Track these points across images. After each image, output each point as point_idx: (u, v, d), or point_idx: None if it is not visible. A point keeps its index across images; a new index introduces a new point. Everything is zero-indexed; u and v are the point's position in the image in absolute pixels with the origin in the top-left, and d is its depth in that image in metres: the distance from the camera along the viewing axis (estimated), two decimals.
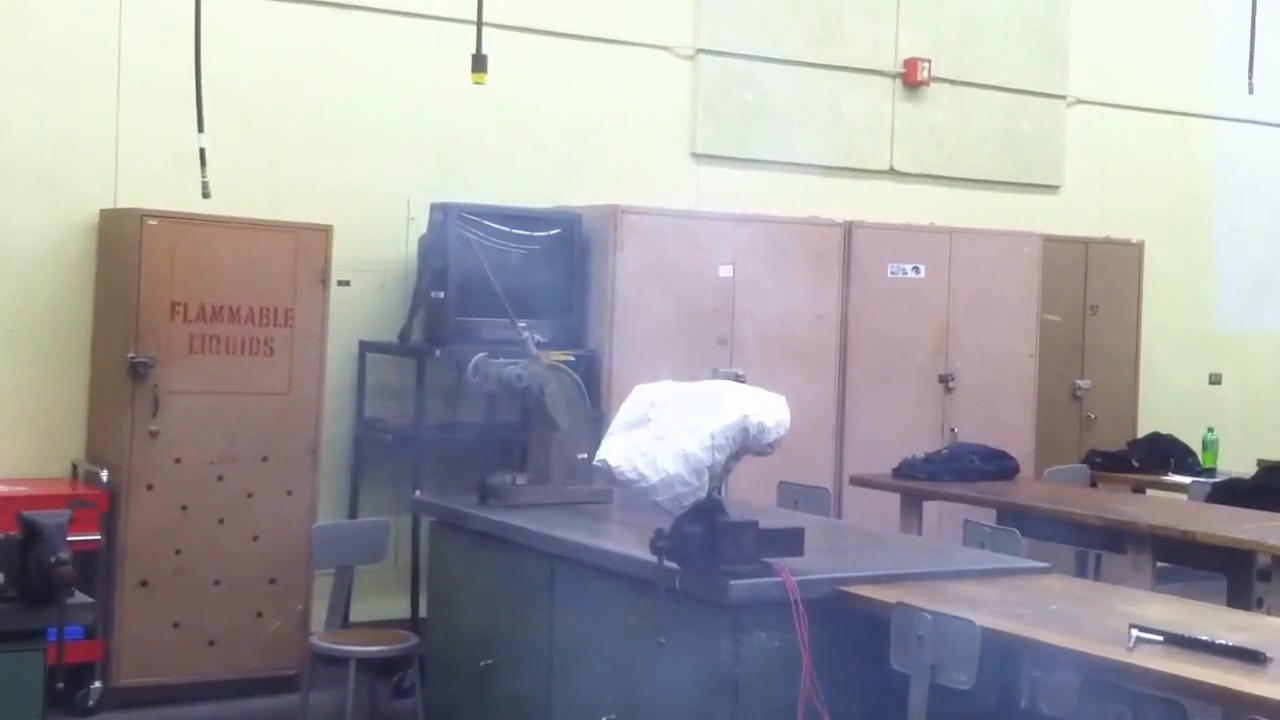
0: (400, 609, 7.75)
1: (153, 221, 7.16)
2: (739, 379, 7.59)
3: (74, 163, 7.53)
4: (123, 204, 7.49)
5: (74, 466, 7.48)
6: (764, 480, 6.87)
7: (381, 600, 7.80)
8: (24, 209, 7.44)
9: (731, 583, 4.57)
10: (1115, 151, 10.79)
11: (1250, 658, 3.91)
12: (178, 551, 7.21)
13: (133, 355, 7.08)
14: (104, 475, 7.14)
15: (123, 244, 7.27)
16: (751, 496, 6.54)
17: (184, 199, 7.02)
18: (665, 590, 4.68)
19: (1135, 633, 4.07)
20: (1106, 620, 4.39)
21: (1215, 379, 11.23)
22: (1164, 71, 11.03)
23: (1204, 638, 4.04)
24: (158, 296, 7.15)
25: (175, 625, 7.21)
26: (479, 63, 6.94)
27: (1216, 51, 10.73)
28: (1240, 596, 6.44)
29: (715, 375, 7.65)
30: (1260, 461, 8.53)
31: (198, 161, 6.48)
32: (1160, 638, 4.06)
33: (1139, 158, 10.89)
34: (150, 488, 7.15)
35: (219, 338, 7.28)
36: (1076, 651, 4.12)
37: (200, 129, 6.53)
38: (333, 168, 8.08)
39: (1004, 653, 4.39)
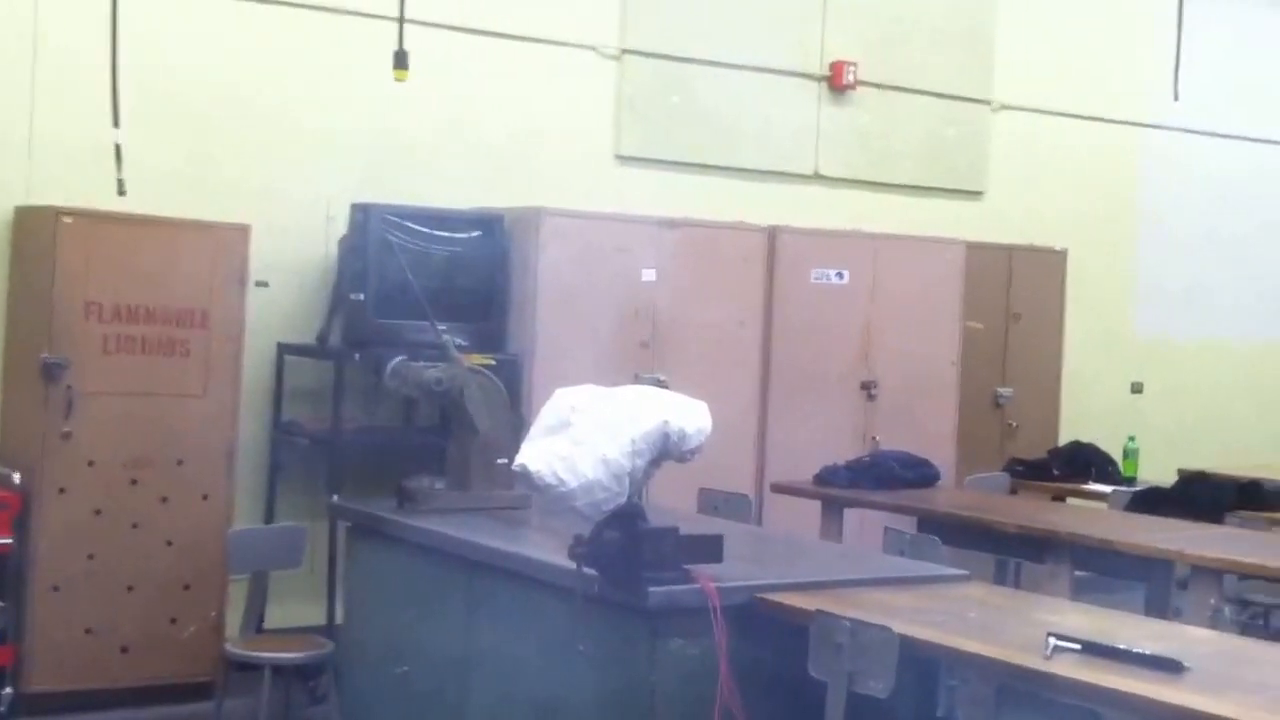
0: (316, 615, 7.68)
1: (68, 219, 7.05)
2: (661, 384, 7.60)
3: None
4: (37, 200, 7.37)
5: None
6: (685, 486, 6.83)
7: (297, 606, 7.73)
8: None
9: (651, 589, 4.52)
10: (1040, 158, 10.84)
11: (1168, 667, 3.90)
12: (90, 556, 7.11)
13: (46, 355, 6.98)
14: (16, 477, 7.03)
15: (37, 242, 7.16)
16: (672, 503, 6.50)
17: (100, 195, 6.93)
18: (584, 596, 4.64)
19: (1053, 641, 4.05)
20: (1025, 628, 4.38)
21: (1137, 388, 11.32)
22: (1090, 78, 11.08)
23: (1122, 646, 4.03)
24: (72, 296, 7.05)
25: (88, 631, 7.12)
26: (400, 60, 6.90)
27: (1143, 58, 10.81)
28: (1158, 605, 6.48)
29: (637, 380, 7.66)
30: (1180, 471, 8.56)
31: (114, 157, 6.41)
32: (1078, 646, 4.04)
33: (1064, 164, 10.95)
34: (63, 491, 7.05)
35: (134, 338, 7.18)
36: (994, 660, 4.10)
37: (116, 124, 6.45)
38: (252, 166, 8.00)
39: (922, 661, 4.36)
